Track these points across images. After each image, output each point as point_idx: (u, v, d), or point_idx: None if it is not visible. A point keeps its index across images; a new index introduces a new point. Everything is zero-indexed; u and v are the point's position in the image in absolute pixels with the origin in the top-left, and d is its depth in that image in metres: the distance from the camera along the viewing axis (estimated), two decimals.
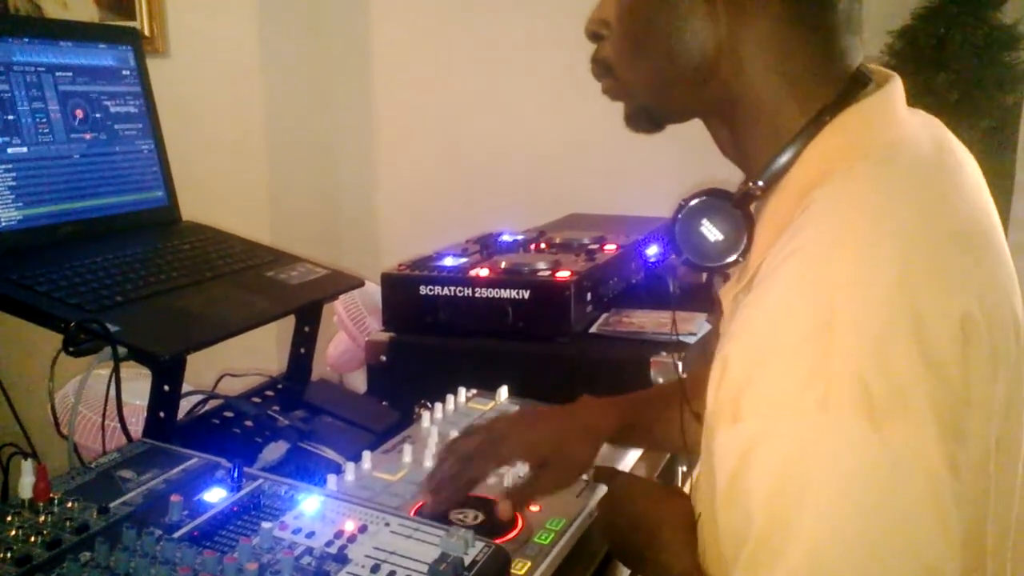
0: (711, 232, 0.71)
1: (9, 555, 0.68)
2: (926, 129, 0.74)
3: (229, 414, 1.17)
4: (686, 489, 0.88)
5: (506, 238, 1.56)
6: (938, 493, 0.57)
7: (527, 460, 0.93)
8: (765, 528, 0.58)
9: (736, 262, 0.71)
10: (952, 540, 0.57)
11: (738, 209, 0.70)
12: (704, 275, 0.82)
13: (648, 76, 0.73)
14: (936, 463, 0.56)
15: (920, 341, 0.57)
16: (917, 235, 0.61)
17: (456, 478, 0.89)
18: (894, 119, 0.70)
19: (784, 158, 0.69)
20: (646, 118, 0.77)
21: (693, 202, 0.72)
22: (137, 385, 1.13)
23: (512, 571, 0.79)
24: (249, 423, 1.14)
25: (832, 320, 0.57)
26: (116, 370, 0.98)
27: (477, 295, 1.29)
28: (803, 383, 0.57)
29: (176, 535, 0.73)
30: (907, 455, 0.56)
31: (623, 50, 0.74)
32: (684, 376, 0.87)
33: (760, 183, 0.70)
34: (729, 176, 0.79)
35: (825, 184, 0.65)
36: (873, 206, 0.63)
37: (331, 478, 0.92)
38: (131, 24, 2.52)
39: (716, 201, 0.71)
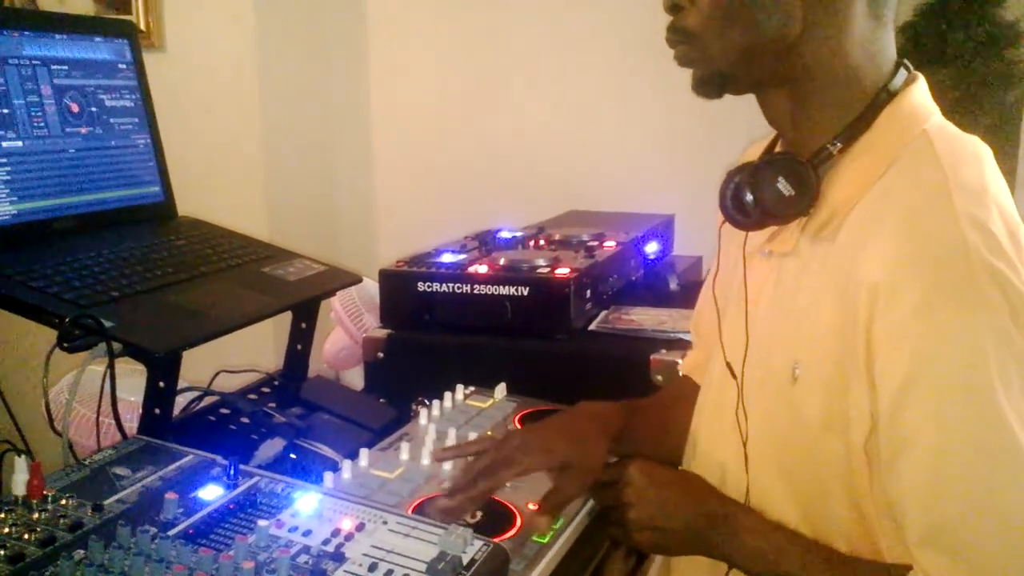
0: (786, 188, 0.80)
1: (2, 552, 0.67)
2: None
3: (225, 411, 1.17)
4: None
5: (505, 235, 1.55)
6: None
7: (548, 465, 0.91)
8: (952, 426, 0.70)
9: (799, 215, 0.82)
10: None
11: (810, 168, 0.80)
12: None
13: (735, 45, 0.80)
14: None
15: (1018, 249, 0.72)
16: (983, 172, 0.77)
17: (473, 485, 0.86)
18: (933, 103, 0.84)
19: (857, 126, 0.80)
20: (719, 85, 0.84)
21: (768, 161, 0.83)
22: (132, 381, 1.12)
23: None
24: (245, 420, 1.14)
25: (966, 245, 0.70)
26: (111, 366, 0.97)
27: (476, 292, 1.28)
28: (959, 299, 0.70)
29: (171, 533, 0.72)
30: None
31: (712, 20, 0.80)
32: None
33: (839, 144, 0.80)
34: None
35: (907, 145, 0.78)
36: (954, 156, 0.77)
37: (328, 476, 0.91)
38: (127, 18, 2.50)
39: (793, 162, 0.81)
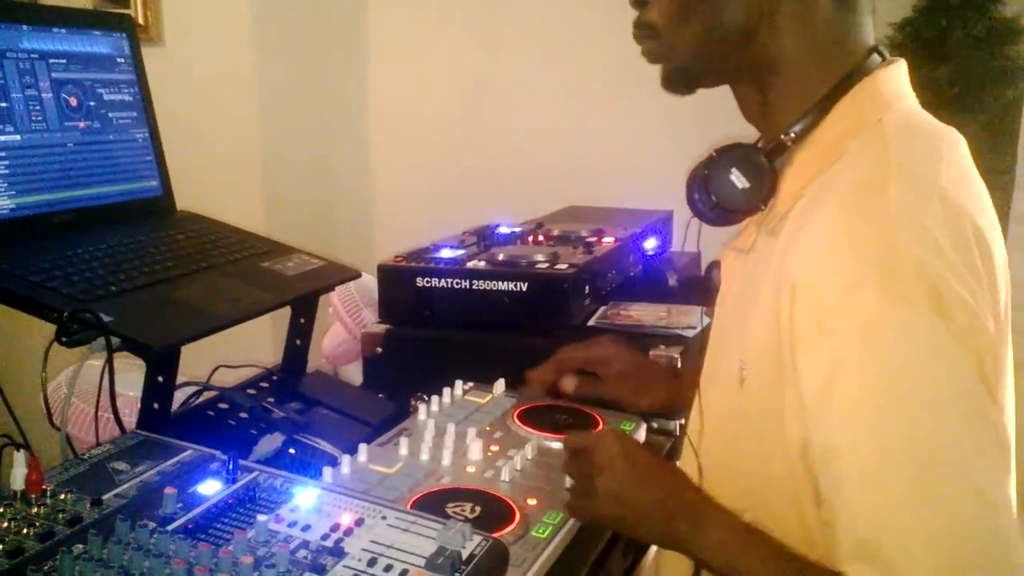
0: (740, 180, 0.78)
1: (1, 547, 0.67)
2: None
3: (224, 406, 1.17)
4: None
5: (503, 230, 1.55)
6: (988, 374, 0.66)
7: (604, 362, 1.11)
8: (861, 437, 0.65)
9: (759, 209, 0.79)
10: (1001, 411, 0.69)
11: (767, 159, 0.78)
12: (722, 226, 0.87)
13: (693, 38, 0.80)
14: (984, 348, 0.66)
15: (956, 248, 0.67)
16: (939, 166, 0.72)
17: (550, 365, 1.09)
18: (908, 90, 0.81)
19: (812, 115, 0.78)
20: (684, 80, 0.83)
21: (724, 151, 0.79)
22: (131, 376, 1.12)
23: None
24: (244, 415, 1.14)
25: (894, 239, 0.66)
26: (110, 361, 0.97)
27: (474, 287, 1.28)
28: (877, 292, 0.65)
29: (170, 528, 0.72)
30: (967, 340, 0.65)
31: (672, 13, 0.80)
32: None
33: (792, 135, 0.78)
34: None
35: (860, 135, 0.75)
36: (906, 147, 0.73)
37: (327, 471, 0.91)
38: (126, 12, 2.49)
39: (747, 151, 0.79)
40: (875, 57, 0.79)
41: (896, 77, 0.80)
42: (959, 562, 0.63)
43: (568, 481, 0.89)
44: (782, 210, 0.78)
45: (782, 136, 0.78)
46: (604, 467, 0.83)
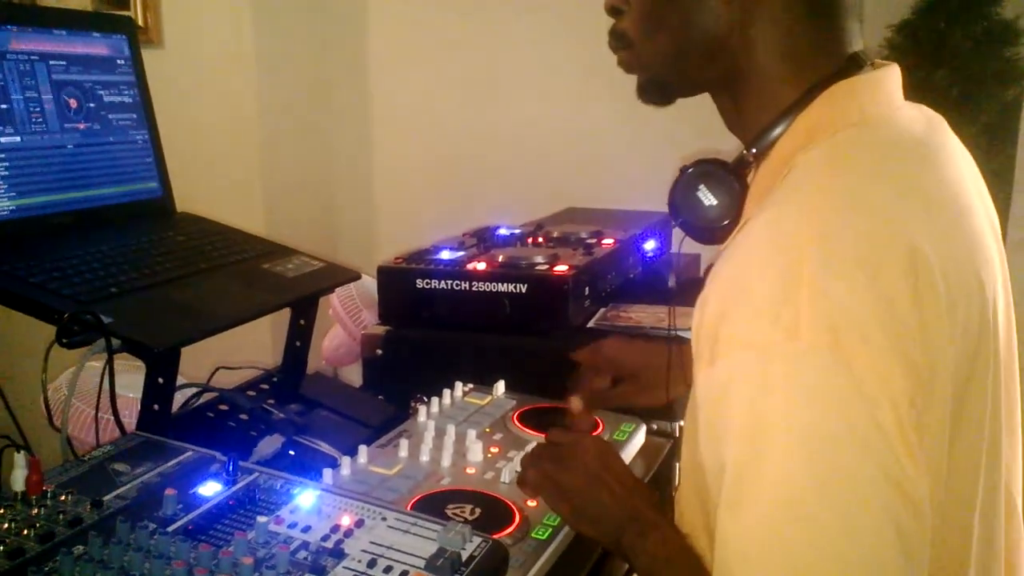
0: (707, 197, 0.75)
1: (2, 548, 0.67)
2: (922, 115, 0.78)
3: (224, 407, 1.17)
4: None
5: (503, 232, 1.55)
6: (902, 422, 0.59)
7: (617, 371, 1.09)
8: (739, 463, 0.61)
9: (730, 227, 0.75)
10: (920, 465, 0.59)
11: (732, 176, 0.75)
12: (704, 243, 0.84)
13: (664, 48, 0.78)
14: (898, 392, 0.59)
15: (875, 277, 0.60)
16: (877, 187, 0.66)
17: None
18: (884, 99, 0.75)
19: (777, 129, 0.74)
20: (658, 90, 0.82)
21: (691, 168, 0.76)
22: (131, 377, 1.12)
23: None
24: (244, 416, 1.14)
25: (800, 265, 0.61)
26: (110, 362, 0.97)
27: (474, 289, 1.28)
28: (772, 319, 0.61)
29: (171, 529, 0.72)
30: (870, 382, 0.58)
31: (642, 23, 0.78)
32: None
33: (753, 151, 0.75)
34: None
35: (809, 149, 0.71)
36: (846, 169, 0.68)
37: (327, 472, 0.91)
38: (125, 14, 2.50)
39: (712, 168, 0.76)
40: (852, 65, 0.74)
41: (872, 85, 0.74)
42: None
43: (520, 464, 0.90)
44: (740, 226, 0.74)
45: (744, 153, 0.76)
46: (571, 463, 0.85)
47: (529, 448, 1.00)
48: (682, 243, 0.84)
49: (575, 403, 1.02)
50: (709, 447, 0.66)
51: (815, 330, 0.59)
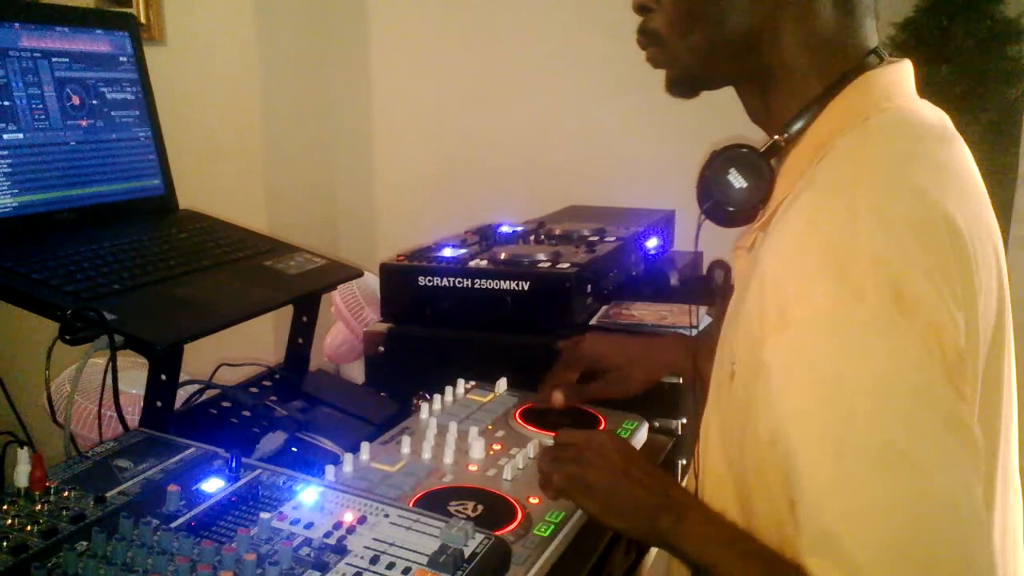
0: (737, 180, 0.80)
1: (5, 544, 0.67)
2: (933, 111, 0.83)
3: (227, 404, 1.17)
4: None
5: (505, 229, 1.55)
6: (954, 373, 0.65)
7: (613, 360, 1.13)
8: (825, 422, 0.65)
9: (757, 209, 0.81)
10: (973, 415, 0.67)
11: (763, 160, 0.80)
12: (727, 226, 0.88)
13: (697, 45, 0.82)
14: (950, 347, 0.65)
15: (925, 243, 0.67)
16: (914, 165, 0.73)
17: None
18: (906, 89, 0.81)
19: (806, 116, 0.80)
20: (688, 85, 0.85)
21: (723, 152, 0.81)
22: (134, 374, 1.12)
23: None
24: (247, 413, 1.14)
25: (857, 237, 0.66)
26: (113, 359, 0.97)
27: (476, 286, 1.28)
28: (838, 286, 0.65)
29: (173, 525, 0.72)
30: (930, 336, 0.64)
31: (675, 21, 0.82)
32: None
33: (786, 135, 0.80)
34: None
35: (844, 133, 0.76)
36: (884, 149, 0.74)
37: (329, 469, 0.91)
38: (128, 11, 2.50)
39: (743, 152, 0.81)
40: (873, 59, 0.80)
41: (892, 77, 0.80)
42: (918, 562, 0.62)
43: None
44: (773, 207, 0.80)
45: (776, 137, 0.81)
46: (594, 460, 0.85)
47: (530, 447, 1.00)
48: (698, 234, 0.87)
49: (556, 397, 1.10)
50: (776, 416, 0.68)
51: (879, 292, 0.64)
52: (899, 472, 0.63)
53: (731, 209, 0.81)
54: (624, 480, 0.83)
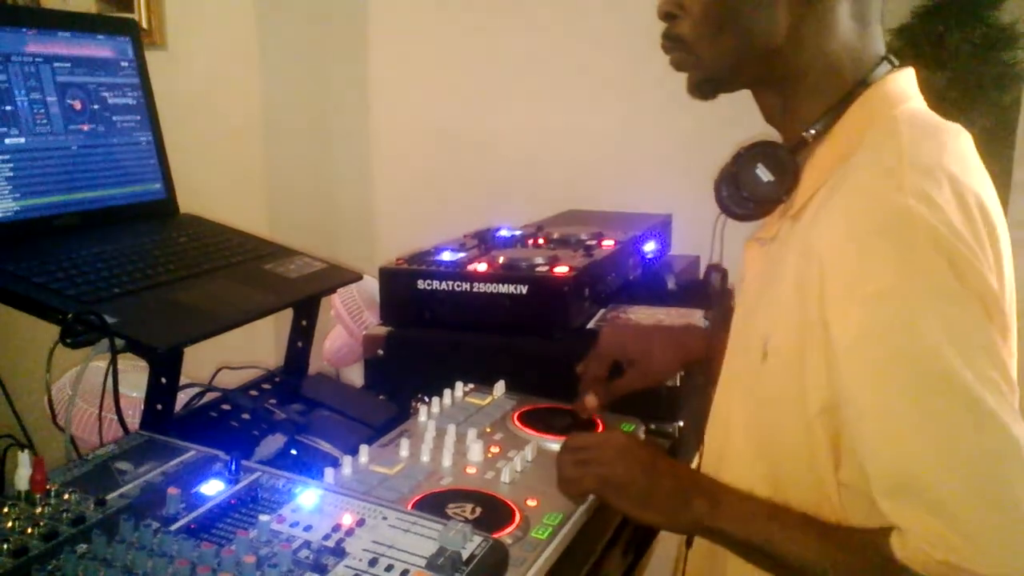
0: (765, 174, 0.86)
1: (6, 546, 0.68)
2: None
3: (226, 407, 1.17)
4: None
5: (504, 233, 1.56)
6: (1005, 332, 0.76)
7: (637, 348, 1.13)
8: (907, 389, 0.72)
9: (782, 200, 0.86)
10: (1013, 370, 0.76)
11: (790, 156, 0.86)
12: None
13: (724, 50, 0.86)
14: (995, 309, 0.74)
15: (967, 216, 0.74)
16: (945, 152, 0.79)
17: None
18: (914, 92, 0.88)
19: (828, 117, 0.85)
20: (711, 88, 0.90)
21: (750, 148, 0.87)
22: (134, 377, 1.13)
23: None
24: (246, 416, 1.14)
25: (912, 218, 0.72)
26: (113, 362, 0.97)
27: (475, 290, 1.28)
28: (901, 262, 0.72)
29: (173, 527, 0.73)
30: (982, 300, 0.73)
31: (703, 28, 0.86)
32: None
33: (812, 132, 0.85)
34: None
35: (875, 126, 0.82)
36: (915, 136, 0.80)
37: (328, 471, 0.92)
38: (129, 16, 2.50)
39: (770, 147, 0.86)
40: (885, 64, 0.87)
41: (904, 81, 0.87)
42: (994, 481, 0.69)
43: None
44: (804, 198, 0.85)
45: (803, 134, 0.86)
46: (618, 459, 0.87)
47: (528, 450, 1.00)
48: (715, 232, 0.93)
49: (591, 401, 1.09)
50: (846, 380, 0.74)
51: (938, 264, 0.71)
52: (978, 421, 0.69)
53: (757, 201, 0.86)
54: (653, 474, 0.85)
